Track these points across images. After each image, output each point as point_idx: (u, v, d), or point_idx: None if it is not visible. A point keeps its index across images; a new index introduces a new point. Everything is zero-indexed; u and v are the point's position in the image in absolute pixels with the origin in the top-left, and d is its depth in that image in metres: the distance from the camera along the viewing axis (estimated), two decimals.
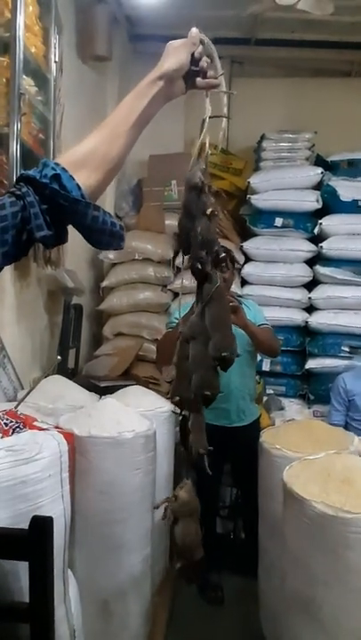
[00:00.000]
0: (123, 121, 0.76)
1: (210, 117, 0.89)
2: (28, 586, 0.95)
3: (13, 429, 1.34)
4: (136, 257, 2.97)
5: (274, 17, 3.00)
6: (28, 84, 1.54)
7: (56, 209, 0.68)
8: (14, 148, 1.44)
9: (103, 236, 0.71)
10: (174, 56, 0.78)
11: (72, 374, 2.45)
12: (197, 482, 2.36)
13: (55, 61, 1.76)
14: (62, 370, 2.27)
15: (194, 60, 0.80)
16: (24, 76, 1.50)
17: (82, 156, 0.73)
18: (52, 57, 1.75)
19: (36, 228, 0.68)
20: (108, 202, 3.44)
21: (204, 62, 0.81)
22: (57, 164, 0.70)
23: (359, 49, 3.48)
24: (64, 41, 1.95)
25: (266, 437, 1.67)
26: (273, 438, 1.64)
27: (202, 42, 0.81)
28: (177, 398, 1.01)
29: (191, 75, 0.81)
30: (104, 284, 3.03)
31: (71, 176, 0.69)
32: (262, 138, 3.22)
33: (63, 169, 0.69)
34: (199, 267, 0.90)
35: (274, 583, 1.55)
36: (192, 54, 0.80)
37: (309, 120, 3.30)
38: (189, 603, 2.02)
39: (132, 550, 1.48)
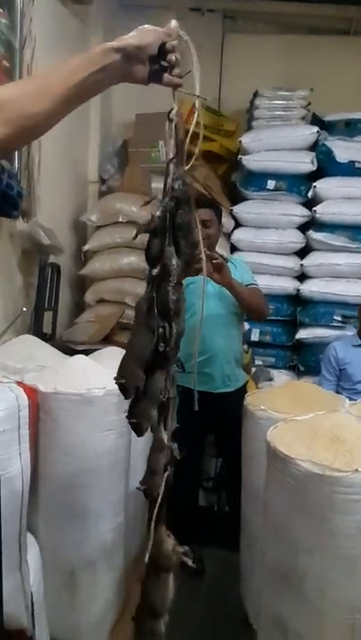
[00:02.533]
0: (60, 79, 0.65)
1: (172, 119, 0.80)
2: None
3: None
4: (120, 219, 2.80)
5: None
6: None
7: None
8: None
9: None
10: (140, 35, 0.72)
11: (48, 339, 2.30)
12: (179, 452, 2.23)
13: None
14: (37, 333, 2.13)
15: (164, 52, 0.74)
16: None
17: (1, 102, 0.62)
18: None
19: None
20: (91, 163, 3.26)
21: (172, 57, 0.74)
22: None
23: (358, 5, 3.29)
24: None
25: (250, 400, 1.55)
26: (258, 400, 1.51)
27: (180, 38, 0.75)
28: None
29: (159, 69, 0.75)
30: (86, 247, 2.87)
31: None
32: (255, 95, 3.04)
33: None
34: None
35: (255, 555, 1.44)
36: (164, 45, 0.73)
37: (305, 79, 3.12)
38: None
39: (102, 518, 1.36)
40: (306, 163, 2.76)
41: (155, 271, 0.83)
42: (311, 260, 2.74)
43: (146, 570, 0.91)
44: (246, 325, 2.55)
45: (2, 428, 1.08)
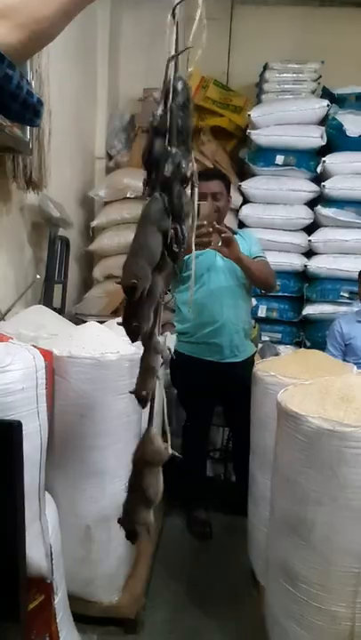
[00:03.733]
0: None
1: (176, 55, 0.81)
2: None
3: None
4: (128, 195, 2.80)
5: None
6: None
7: None
8: None
9: (14, 102, 0.61)
10: None
11: (58, 312, 2.33)
12: (188, 423, 2.27)
13: None
14: (47, 306, 2.15)
15: None
16: None
17: (5, 7, 0.61)
18: None
19: None
20: (98, 139, 3.25)
21: None
22: None
23: None
24: None
25: (260, 367, 1.58)
26: (267, 367, 1.54)
27: None
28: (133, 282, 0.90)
29: None
30: (94, 223, 2.88)
31: None
32: (265, 68, 3.00)
33: None
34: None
35: (262, 513, 1.50)
36: None
37: (316, 52, 3.06)
38: (176, 537, 1.98)
39: (116, 477, 1.40)
40: (316, 137, 2.73)
41: (167, 171, 0.82)
42: (319, 236, 2.74)
43: (139, 465, 1.00)
44: (254, 301, 2.57)
45: (20, 386, 1.11)
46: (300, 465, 1.10)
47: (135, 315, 0.85)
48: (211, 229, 1.57)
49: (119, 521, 1.04)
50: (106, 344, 1.41)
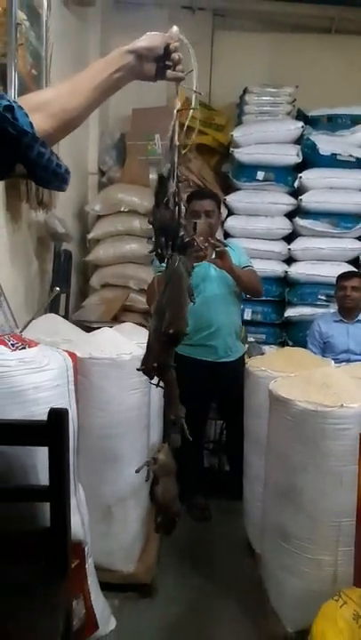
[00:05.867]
0: (88, 81, 0.81)
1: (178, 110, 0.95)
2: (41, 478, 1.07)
3: (19, 349, 1.43)
4: (122, 209, 3.02)
5: None
6: (21, 17, 1.55)
7: (2, 138, 0.68)
8: (13, 79, 1.47)
9: (46, 173, 0.73)
10: (148, 38, 0.86)
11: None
12: (186, 418, 2.49)
13: None
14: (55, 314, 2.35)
15: (168, 53, 0.87)
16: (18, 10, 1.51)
17: (41, 101, 0.77)
18: None
19: None
20: (91, 156, 3.45)
21: (175, 55, 0.88)
22: (15, 101, 0.71)
23: (339, 5, 3.52)
24: None
25: (251, 363, 1.82)
26: (258, 363, 1.78)
27: (181, 41, 0.89)
28: (143, 367, 1.09)
29: (164, 67, 0.88)
30: (91, 235, 3.08)
31: (26, 113, 0.70)
32: (245, 91, 3.26)
33: (20, 106, 0.70)
34: (159, 251, 0.99)
35: (257, 492, 1.73)
36: (168, 47, 0.87)
37: (291, 75, 3.35)
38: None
39: (131, 462, 1.62)
40: (292, 155, 3.01)
41: (178, 241, 0.96)
42: (298, 245, 3.01)
43: (153, 480, 1.11)
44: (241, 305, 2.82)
45: (56, 383, 1.31)
46: (289, 441, 1.34)
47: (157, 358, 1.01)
48: (206, 244, 1.81)
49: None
50: (120, 347, 1.63)
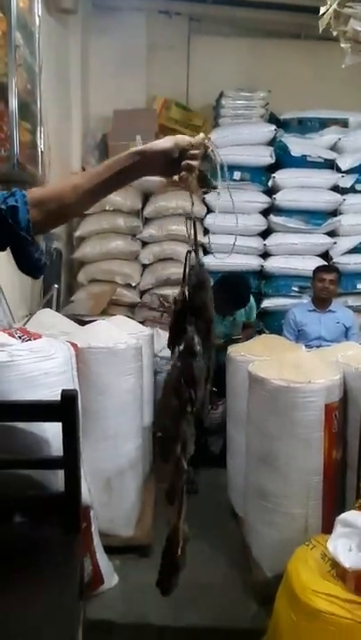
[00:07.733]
0: (88, 182, 0.85)
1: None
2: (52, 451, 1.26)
3: (26, 341, 1.61)
4: (107, 208, 3.18)
5: None
6: (18, 38, 1.69)
7: (4, 230, 0.81)
8: (13, 98, 1.62)
9: (29, 265, 0.87)
10: (161, 142, 0.85)
11: None
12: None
13: (38, 15, 1.90)
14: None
15: (185, 157, 0.84)
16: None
17: (46, 197, 0.85)
18: (36, 10, 1.89)
19: None
20: (74, 156, 3.58)
21: (189, 163, 0.84)
22: (24, 196, 0.82)
23: (308, 12, 3.71)
24: None
25: (232, 349, 2.04)
26: (238, 349, 2.00)
27: (206, 148, 0.87)
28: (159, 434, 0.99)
29: (177, 167, 0.85)
30: (77, 233, 3.23)
31: (28, 210, 0.81)
32: (221, 95, 3.45)
33: (25, 202, 0.81)
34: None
35: (239, 463, 1.96)
36: (186, 150, 0.84)
37: (263, 79, 3.55)
38: None
39: (128, 439, 1.82)
40: (266, 156, 3.23)
41: (180, 348, 0.88)
42: (272, 240, 3.24)
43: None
44: None
45: (62, 369, 1.49)
46: (265, 413, 1.57)
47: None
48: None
49: None
50: (115, 337, 1.82)
